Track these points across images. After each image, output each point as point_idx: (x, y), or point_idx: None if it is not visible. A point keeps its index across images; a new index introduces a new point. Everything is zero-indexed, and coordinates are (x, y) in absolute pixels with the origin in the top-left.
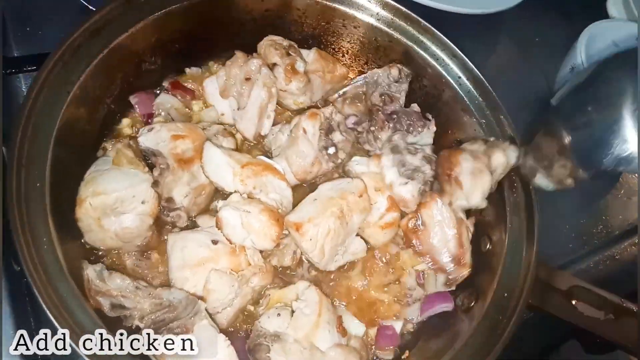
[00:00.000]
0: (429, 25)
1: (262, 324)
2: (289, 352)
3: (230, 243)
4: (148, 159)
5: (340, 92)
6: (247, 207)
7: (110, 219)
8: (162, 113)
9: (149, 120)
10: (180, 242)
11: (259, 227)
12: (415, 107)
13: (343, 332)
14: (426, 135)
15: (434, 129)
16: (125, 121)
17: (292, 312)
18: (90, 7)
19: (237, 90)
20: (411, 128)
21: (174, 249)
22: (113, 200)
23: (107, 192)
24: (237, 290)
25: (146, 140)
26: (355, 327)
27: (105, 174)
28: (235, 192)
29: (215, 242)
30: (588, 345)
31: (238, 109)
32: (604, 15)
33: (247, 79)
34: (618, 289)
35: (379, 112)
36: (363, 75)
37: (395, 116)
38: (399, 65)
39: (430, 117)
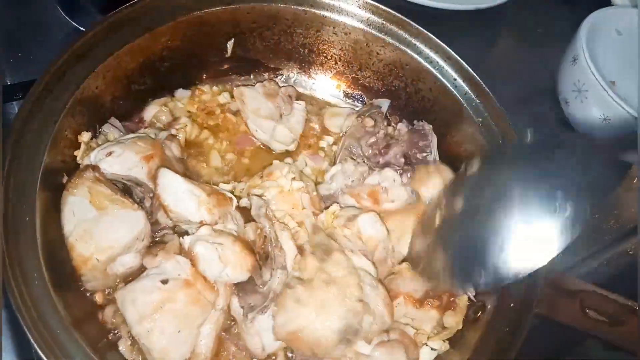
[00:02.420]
0: (421, 29)
1: None
2: None
3: (205, 280)
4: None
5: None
6: (219, 240)
7: (113, 264)
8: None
9: None
10: (129, 296)
11: (235, 259)
12: (403, 128)
13: None
14: (433, 139)
15: (430, 126)
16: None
17: None
18: (81, 29)
19: (282, 100)
20: (424, 152)
21: (125, 305)
22: (119, 250)
23: (113, 245)
24: (198, 325)
25: (111, 166)
26: None
27: (99, 224)
28: (201, 223)
29: (165, 282)
30: (607, 343)
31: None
32: (609, 2)
33: (289, 96)
34: (632, 286)
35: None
36: (340, 145)
37: (408, 157)
38: (366, 114)
39: (416, 122)
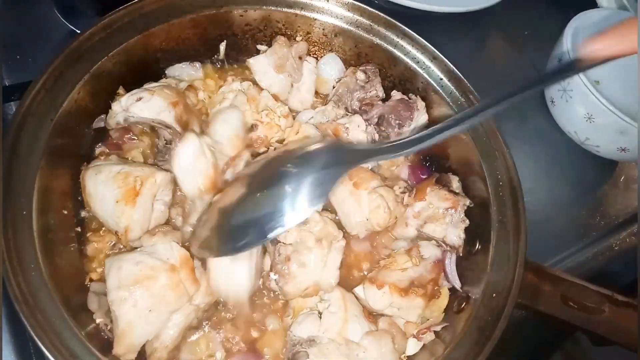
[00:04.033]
0: (408, 29)
1: (294, 333)
2: (327, 353)
3: (191, 271)
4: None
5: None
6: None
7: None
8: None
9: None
10: (116, 263)
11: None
12: (396, 95)
13: (370, 318)
14: (420, 115)
15: (423, 104)
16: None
17: (320, 313)
18: (78, 32)
19: (292, 66)
20: (401, 121)
21: (110, 270)
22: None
23: None
24: (170, 312)
25: (141, 110)
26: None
27: None
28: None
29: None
30: (594, 338)
31: (292, 85)
32: (595, 4)
33: (300, 58)
34: (617, 281)
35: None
36: (334, 90)
37: (382, 119)
38: (360, 67)
39: (412, 95)
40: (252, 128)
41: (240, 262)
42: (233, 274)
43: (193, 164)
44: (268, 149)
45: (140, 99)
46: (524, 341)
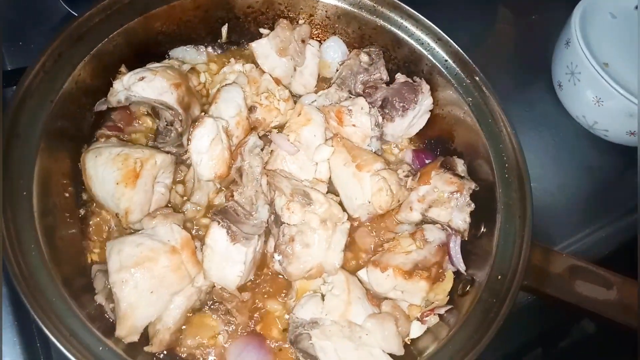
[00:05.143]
0: (412, 10)
1: (297, 315)
2: (330, 334)
3: (193, 254)
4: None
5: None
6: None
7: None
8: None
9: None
10: (117, 246)
11: (218, 156)
12: (400, 77)
13: (373, 301)
14: (425, 98)
15: (428, 86)
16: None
17: (322, 296)
18: (74, 14)
19: (295, 50)
20: (405, 104)
21: (111, 253)
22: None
23: None
24: (172, 293)
25: (143, 90)
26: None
27: None
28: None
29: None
30: (600, 322)
31: (295, 68)
32: None
33: (303, 41)
34: (626, 266)
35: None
36: (337, 73)
37: (386, 102)
38: (364, 49)
39: (417, 78)
40: (250, 110)
41: (237, 250)
42: (226, 261)
43: (210, 148)
44: (267, 132)
45: (142, 78)
46: (528, 329)
